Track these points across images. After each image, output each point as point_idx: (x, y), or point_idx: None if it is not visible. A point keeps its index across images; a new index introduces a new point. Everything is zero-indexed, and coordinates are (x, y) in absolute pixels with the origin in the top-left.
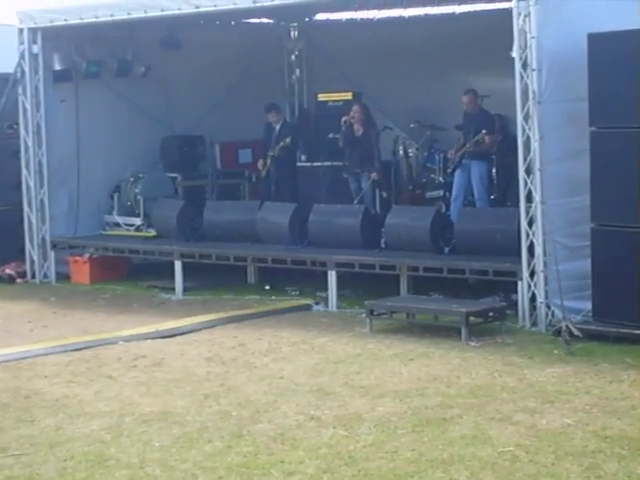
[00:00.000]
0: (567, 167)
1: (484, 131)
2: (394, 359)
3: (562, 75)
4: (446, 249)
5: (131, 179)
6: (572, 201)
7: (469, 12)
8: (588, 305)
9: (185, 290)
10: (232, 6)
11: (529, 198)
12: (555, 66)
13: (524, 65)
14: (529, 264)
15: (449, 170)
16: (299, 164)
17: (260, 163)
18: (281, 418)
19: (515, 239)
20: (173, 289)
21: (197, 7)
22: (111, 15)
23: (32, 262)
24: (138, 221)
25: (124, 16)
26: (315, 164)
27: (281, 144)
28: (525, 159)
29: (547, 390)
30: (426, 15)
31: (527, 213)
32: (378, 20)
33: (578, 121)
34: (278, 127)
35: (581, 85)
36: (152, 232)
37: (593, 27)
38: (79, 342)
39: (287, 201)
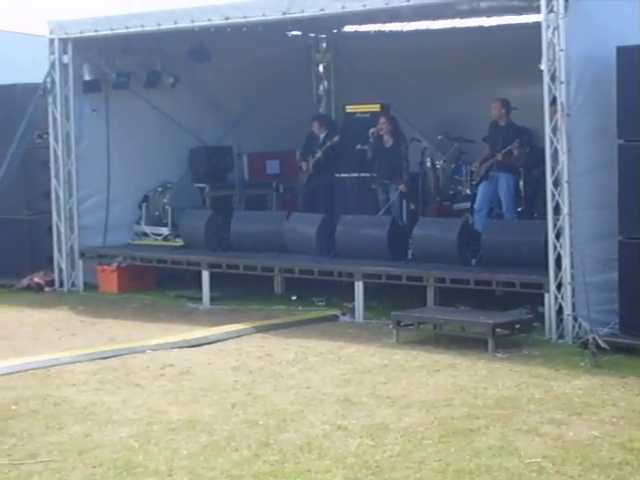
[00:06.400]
0: (595, 179)
1: (518, 140)
2: (421, 370)
3: (590, 88)
4: (473, 261)
5: (159, 189)
6: (600, 214)
7: (497, 25)
8: (615, 318)
9: (212, 300)
10: (262, 17)
11: (557, 210)
12: (584, 78)
13: (552, 77)
14: (556, 276)
15: (474, 182)
16: None
17: (304, 166)
18: (308, 427)
19: (542, 251)
20: (200, 299)
21: (227, 18)
22: (141, 26)
23: (60, 271)
24: (166, 231)
25: (154, 27)
26: (342, 175)
27: (328, 143)
28: (553, 171)
29: (574, 402)
30: (454, 27)
31: (555, 225)
32: (406, 32)
33: (606, 134)
34: (322, 136)
35: (609, 98)
36: (180, 242)
37: (622, 40)
38: (107, 350)
39: (322, 211)
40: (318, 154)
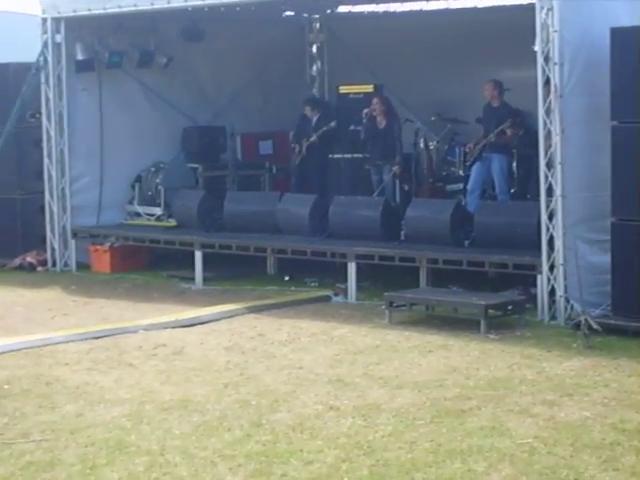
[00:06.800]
0: (588, 161)
1: (509, 120)
2: (413, 351)
3: (584, 69)
4: (466, 242)
5: (152, 169)
6: (593, 195)
7: (491, 5)
8: (608, 299)
9: (205, 280)
10: None
11: (549, 192)
12: (577, 60)
13: (546, 59)
14: (549, 258)
15: (468, 163)
16: None
17: (297, 148)
18: (300, 408)
19: (535, 233)
20: (193, 279)
21: None
22: (134, 5)
23: (53, 251)
24: (159, 211)
25: (147, 6)
26: (336, 156)
27: (324, 128)
28: (546, 153)
29: (566, 383)
30: (448, 8)
31: (547, 207)
32: (400, 13)
33: (599, 115)
34: (315, 119)
35: (603, 79)
36: (173, 222)
37: (616, 21)
38: (99, 330)
39: (315, 191)
40: (313, 138)
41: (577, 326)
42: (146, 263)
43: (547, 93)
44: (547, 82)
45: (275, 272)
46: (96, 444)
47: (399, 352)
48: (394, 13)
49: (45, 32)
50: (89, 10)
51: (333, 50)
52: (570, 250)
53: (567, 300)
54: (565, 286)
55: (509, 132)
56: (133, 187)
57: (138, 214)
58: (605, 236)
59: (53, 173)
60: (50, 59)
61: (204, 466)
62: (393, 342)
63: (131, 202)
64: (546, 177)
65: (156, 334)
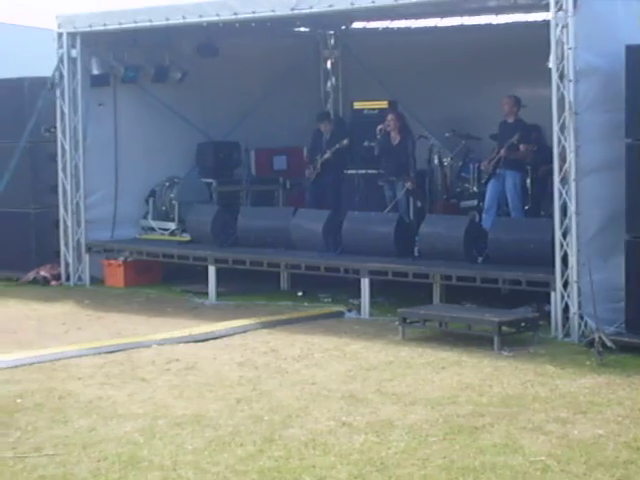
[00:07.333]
0: (602, 178)
1: (518, 134)
2: (426, 367)
3: (599, 86)
4: (479, 258)
5: (166, 184)
6: (607, 212)
7: (506, 22)
8: (621, 316)
9: (218, 295)
10: (270, 13)
11: (564, 209)
12: (592, 77)
13: (561, 76)
14: (562, 275)
15: (483, 181)
16: None
17: (311, 167)
18: (313, 423)
19: (549, 249)
20: (206, 294)
21: (235, 14)
22: (150, 20)
23: (67, 265)
24: (173, 226)
25: (162, 22)
26: (350, 172)
27: (337, 146)
28: (560, 170)
29: (579, 401)
30: (463, 25)
31: (561, 224)
32: (415, 29)
33: (614, 132)
34: (329, 135)
35: (618, 96)
36: (186, 237)
37: (631, 39)
38: (113, 344)
39: (329, 207)
40: (327, 155)
41: (591, 343)
42: (160, 278)
43: (561, 110)
44: (562, 99)
45: (288, 287)
46: (109, 459)
47: (412, 368)
48: (409, 29)
49: (61, 47)
50: (105, 25)
51: (347, 66)
52: (584, 267)
53: (581, 317)
54: (579, 303)
55: (522, 148)
56: (147, 202)
57: (152, 229)
58: (619, 253)
59: (67, 187)
60: (66, 74)
61: None
62: (406, 358)
63: (145, 217)
64: (560, 194)
65: (169, 349)
